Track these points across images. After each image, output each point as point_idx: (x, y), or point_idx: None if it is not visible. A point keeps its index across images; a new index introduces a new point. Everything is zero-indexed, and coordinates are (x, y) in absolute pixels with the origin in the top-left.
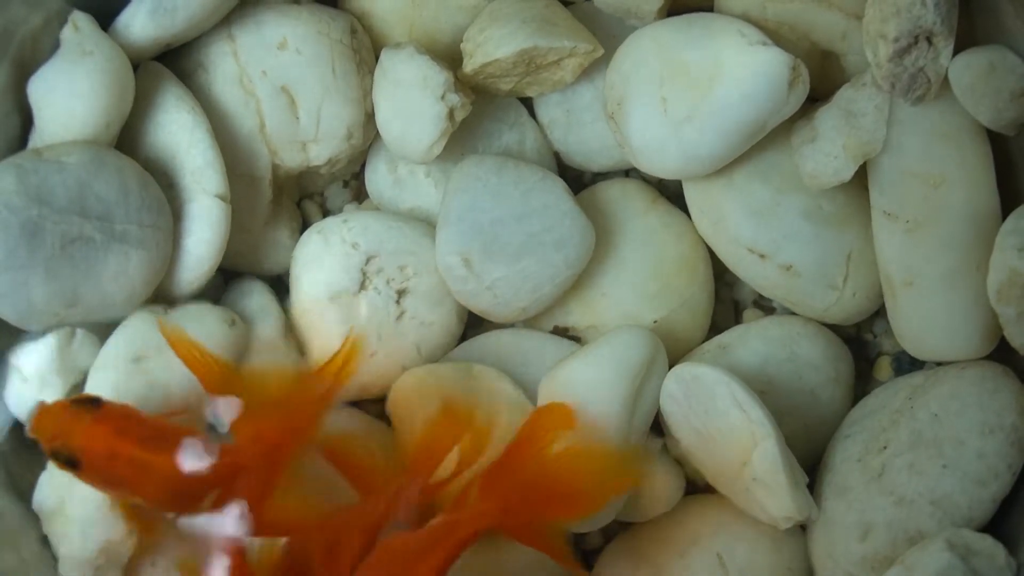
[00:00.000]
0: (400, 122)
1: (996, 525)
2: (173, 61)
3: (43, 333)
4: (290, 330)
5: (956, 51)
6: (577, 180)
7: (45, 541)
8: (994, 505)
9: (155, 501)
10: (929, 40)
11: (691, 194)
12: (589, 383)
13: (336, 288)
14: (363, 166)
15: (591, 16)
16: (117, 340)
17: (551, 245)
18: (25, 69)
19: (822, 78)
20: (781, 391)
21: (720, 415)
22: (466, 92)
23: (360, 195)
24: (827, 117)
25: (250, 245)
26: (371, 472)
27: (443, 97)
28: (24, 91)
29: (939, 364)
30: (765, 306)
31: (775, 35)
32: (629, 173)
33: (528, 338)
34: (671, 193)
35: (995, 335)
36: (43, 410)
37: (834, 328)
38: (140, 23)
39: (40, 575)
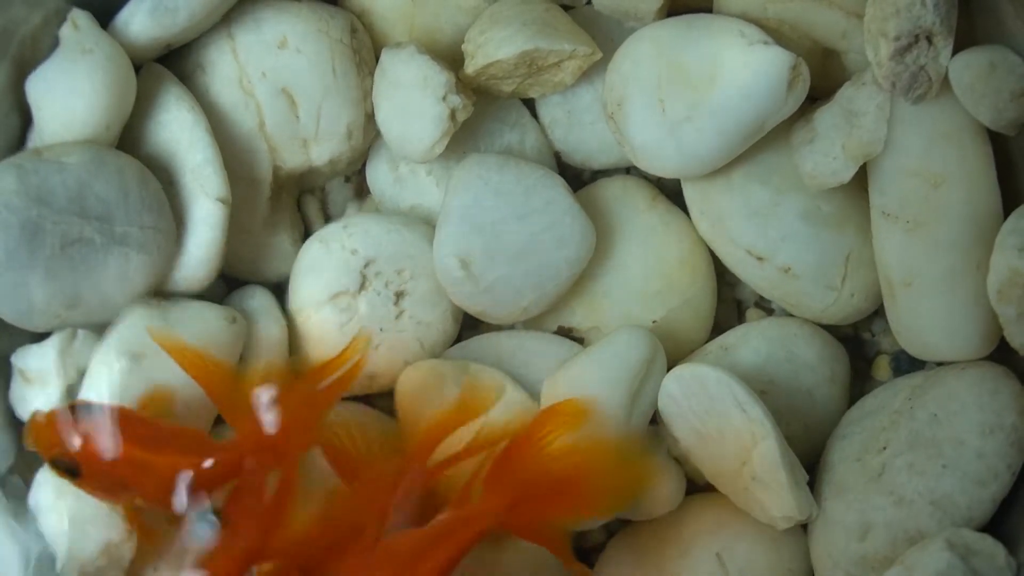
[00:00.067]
0: (401, 122)
1: (996, 525)
2: (173, 62)
3: (46, 334)
4: (289, 332)
5: (956, 51)
6: (577, 178)
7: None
8: (994, 505)
9: (158, 501)
10: (929, 39)
11: (690, 194)
12: (589, 384)
13: (335, 291)
14: (364, 164)
15: (591, 20)
16: (115, 337)
17: (552, 244)
18: (25, 68)
19: (823, 77)
20: (781, 391)
21: (720, 415)
22: (467, 93)
23: (362, 190)
24: (826, 117)
25: (251, 249)
26: (358, 459)
27: (444, 98)
28: (23, 90)
29: (938, 364)
30: (766, 307)
31: (776, 34)
32: (630, 171)
33: (526, 339)
34: (671, 191)
35: (995, 335)
36: (39, 420)
37: (832, 328)
38: (140, 22)
39: (40, 575)
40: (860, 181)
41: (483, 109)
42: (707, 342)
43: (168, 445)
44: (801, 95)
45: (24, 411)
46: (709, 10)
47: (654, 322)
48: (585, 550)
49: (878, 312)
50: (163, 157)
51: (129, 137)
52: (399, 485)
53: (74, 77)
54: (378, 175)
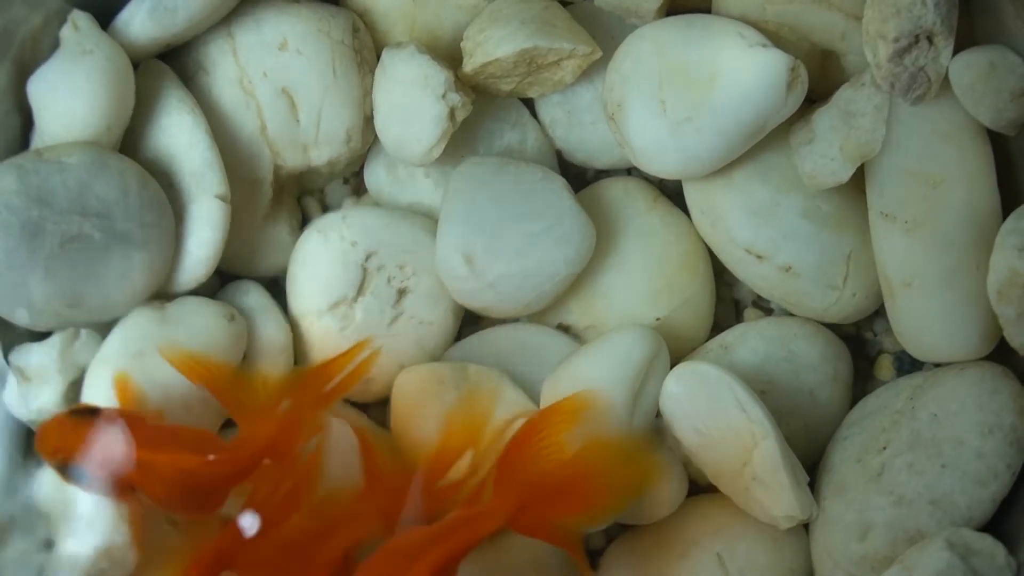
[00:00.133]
0: (400, 122)
1: (996, 525)
2: (173, 62)
3: (47, 333)
4: (288, 329)
5: (956, 51)
6: (579, 177)
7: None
8: (993, 505)
9: (163, 502)
10: (929, 40)
11: (691, 194)
12: (591, 381)
13: (335, 286)
14: (363, 166)
15: (591, 16)
16: (116, 337)
17: (552, 244)
18: (25, 69)
19: (822, 78)
20: (781, 391)
21: (720, 415)
22: (466, 91)
23: (360, 190)
24: (824, 118)
25: (248, 244)
26: (383, 472)
27: (444, 96)
28: (24, 91)
29: (938, 364)
30: (764, 306)
31: (775, 36)
32: (631, 171)
33: (529, 333)
34: (672, 191)
35: (995, 335)
36: (44, 426)
37: (833, 327)
38: (140, 22)
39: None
40: (861, 181)
41: (482, 109)
42: (707, 341)
43: (174, 446)
44: (800, 96)
45: (23, 411)
46: (708, 10)
47: (658, 320)
48: (587, 553)
49: (880, 312)
50: (164, 159)
51: (131, 140)
52: (406, 500)
53: (74, 78)
54: (376, 177)
